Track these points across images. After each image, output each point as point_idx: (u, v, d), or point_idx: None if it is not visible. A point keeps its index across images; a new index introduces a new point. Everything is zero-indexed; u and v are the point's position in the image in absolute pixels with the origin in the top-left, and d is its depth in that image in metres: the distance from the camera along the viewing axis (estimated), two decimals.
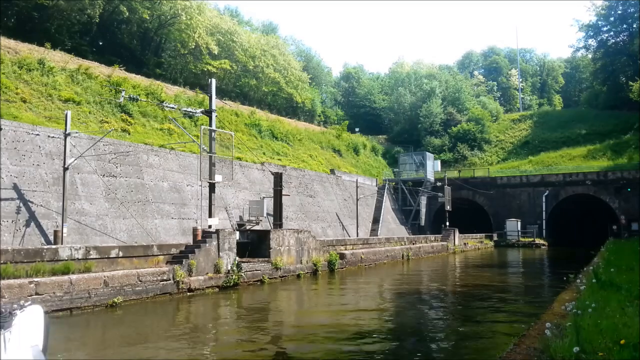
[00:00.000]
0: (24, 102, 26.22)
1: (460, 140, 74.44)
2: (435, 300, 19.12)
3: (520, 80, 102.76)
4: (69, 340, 11.74)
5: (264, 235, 24.09)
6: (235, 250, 21.39)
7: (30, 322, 4.66)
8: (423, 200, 58.59)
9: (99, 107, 30.72)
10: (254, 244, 24.09)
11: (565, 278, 15.42)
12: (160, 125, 34.10)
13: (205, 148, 23.74)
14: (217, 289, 19.55)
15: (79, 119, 28.00)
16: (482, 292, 21.10)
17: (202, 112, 24.79)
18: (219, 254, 20.56)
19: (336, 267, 27.47)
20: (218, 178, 23.40)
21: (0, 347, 4.14)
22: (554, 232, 56.44)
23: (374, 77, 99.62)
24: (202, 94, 40.95)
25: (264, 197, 32.38)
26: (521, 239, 54.54)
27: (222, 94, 48.17)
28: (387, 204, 54.91)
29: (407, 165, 61.90)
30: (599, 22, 75.48)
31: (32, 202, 21.45)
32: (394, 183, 60.15)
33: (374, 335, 12.62)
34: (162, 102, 29.76)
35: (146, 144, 29.63)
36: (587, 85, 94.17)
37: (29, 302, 4.90)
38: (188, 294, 18.51)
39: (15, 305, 4.66)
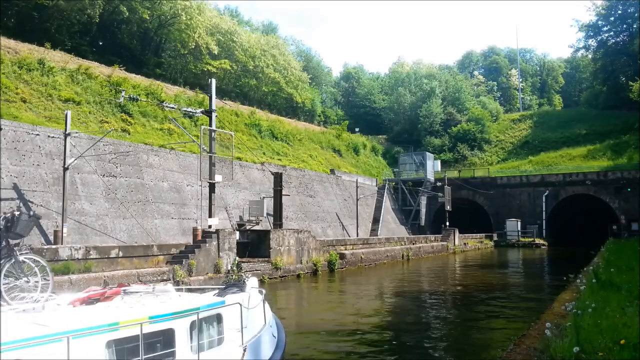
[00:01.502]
0: (24, 102, 26.22)
1: (460, 140, 74.41)
2: (435, 300, 19.12)
3: (520, 80, 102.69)
4: None
5: (264, 235, 24.09)
6: (235, 250, 21.40)
7: (253, 284, 8.18)
8: (423, 200, 58.56)
9: (99, 107, 30.71)
10: (254, 244, 24.10)
11: (565, 278, 15.42)
12: (160, 125, 34.09)
13: (205, 148, 23.74)
14: None
15: (79, 119, 27.99)
16: (482, 292, 21.11)
17: (202, 112, 24.79)
18: (219, 254, 20.56)
19: (336, 267, 27.47)
20: (218, 178, 23.40)
21: (249, 299, 7.56)
22: (554, 232, 56.41)
23: (374, 77, 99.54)
24: (202, 94, 40.92)
25: (264, 197, 32.37)
26: (521, 239, 54.51)
27: (222, 94, 48.15)
28: (387, 204, 54.90)
29: (407, 165, 61.86)
30: (599, 22, 75.43)
31: (32, 202, 21.44)
32: (394, 183, 60.12)
33: (374, 335, 12.61)
34: (162, 102, 29.75)
35: (146, 144, 29.62)
36: (587, 85, 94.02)
37: (250, 274, 10.19)
38: None
39: (244, 276, 9.04)
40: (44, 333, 4.82)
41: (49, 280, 8.24)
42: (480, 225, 58.71)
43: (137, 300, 6.49)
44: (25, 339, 4.63)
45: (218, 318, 6.67)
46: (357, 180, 48.71)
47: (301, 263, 25.39)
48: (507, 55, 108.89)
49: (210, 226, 22.54)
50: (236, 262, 20.96)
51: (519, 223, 55.86)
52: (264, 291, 8.50)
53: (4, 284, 7.68)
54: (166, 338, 5.83)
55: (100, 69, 34.92)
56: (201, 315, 6.28)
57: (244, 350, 6.81)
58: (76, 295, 6.61)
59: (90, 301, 6.33)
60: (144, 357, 5.41)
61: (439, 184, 56.48)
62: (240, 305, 6.97)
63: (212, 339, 6.50)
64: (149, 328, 5.60)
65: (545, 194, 56.06)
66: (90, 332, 5.12)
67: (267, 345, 7.65)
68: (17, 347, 4.57)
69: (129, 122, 31.78)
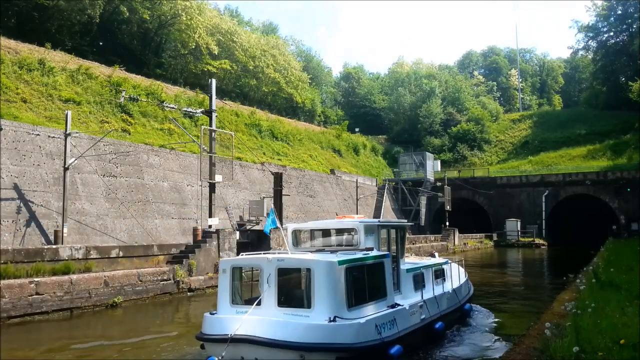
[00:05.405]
0: (25, 102, 26.23)
1: (460, 140, 74.42)
2: None
3: (520, 80, 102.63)
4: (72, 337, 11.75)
5: (264, 235, 24.08)
6: (235, 250, 21.42)
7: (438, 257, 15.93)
8: (423, 200, 58.55)
9: (99, 107, 30.71)
10: (254, 244, 24.10)
11: (565, 278, 15.43)
12: (161, 125, 34.09)
13: (205, 148, 23.76)
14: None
15: (79, 119, 28.00)
16: (482, 291, 21.09)
17: (202, 112, 24.82)
18: (219, 253, 20.58)
19: None
20: (218, 178, 23.42)
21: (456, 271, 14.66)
22: (553, 232, 56.39)
23: (374, 77, 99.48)
24: (202, 94, 40.90)
25: (264, 197, 32.36)
26: (521, 238, 54.50)
27: (222, 94, 48.12)
28: (387, 204, 54.91)
29: (407, 165, 61.85)
30: (599, 23, 75.41)
31: (32, 202, 21.46)
32: (393, 183, 60.11)
33: None
34: (163, 102, 29.77)
35: (146, 144, 29.64)
36: (587, 86, 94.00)
37: (438, 253, 20.27)
38: (188, 293, 18.55)
39: (434, 253, 18.74)
40: (425, 265, 12.49)
41: None
42: (480, 225, 58.69)
43: (419, 259, 14.32)
44: (422, 266, 12.21)
45: (451, 267, 14.02)
46: (357, 180, 48.73)
47: None
48: (507, 55, 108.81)
49: (210, 226, 22.56)
50: None
51: (519, 223, 55.84)
52: (462, 259, 16.44)
53: None
54: (443, 272, 13.36)
55: (100, 69, 34.91)
56: (446, 265, 13.71)
57: (467, 280, 14.78)
58: None
59: None
60: (434, 278, 12.34)
61: (438, 184, 56.44)
62: (463, 262, 16.19)
63: (452, 276, 13.64)
64: (441, 267, 13.33)
65: (545, 194, 56.06)
66: (433, 267, 12.63)
67: (471, 285, 15.37)
68: (420, 270, 11.93)
69: (129, 122, 31.78)
